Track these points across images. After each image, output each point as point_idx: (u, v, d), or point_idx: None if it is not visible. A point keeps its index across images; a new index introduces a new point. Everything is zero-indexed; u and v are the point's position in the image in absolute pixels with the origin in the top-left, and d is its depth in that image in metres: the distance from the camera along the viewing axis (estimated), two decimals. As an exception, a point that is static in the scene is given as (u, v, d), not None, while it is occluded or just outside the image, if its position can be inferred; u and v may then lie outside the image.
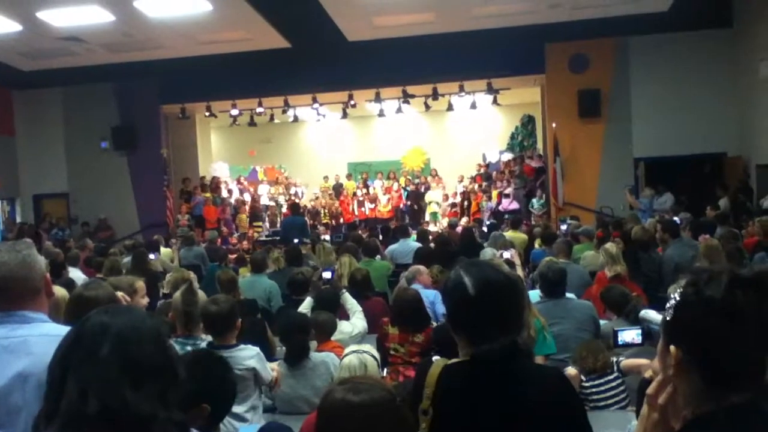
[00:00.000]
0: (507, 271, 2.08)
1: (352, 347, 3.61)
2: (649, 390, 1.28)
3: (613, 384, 3.87)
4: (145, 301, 3.69)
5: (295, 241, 9.56)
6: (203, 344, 3.56)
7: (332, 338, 4.56)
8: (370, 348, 3.56)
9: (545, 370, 2.07)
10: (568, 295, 4.93)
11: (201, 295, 3.57)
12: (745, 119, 13.22)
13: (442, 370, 1.88)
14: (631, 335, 1.80)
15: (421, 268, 6.41)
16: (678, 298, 1.27)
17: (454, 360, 1.91)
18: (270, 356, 4.47)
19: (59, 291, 3.25)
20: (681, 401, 1.25)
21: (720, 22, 13.51)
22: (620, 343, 1.84)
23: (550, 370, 2.11)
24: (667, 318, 1.28)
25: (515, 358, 1.82)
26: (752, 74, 12.29)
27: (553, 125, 14.16)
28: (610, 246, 6.34)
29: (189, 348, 3.47)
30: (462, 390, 1.85)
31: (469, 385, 1.84)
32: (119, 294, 2.99)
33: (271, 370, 3.69)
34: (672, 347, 1.24)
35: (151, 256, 8.72)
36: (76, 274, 7.65)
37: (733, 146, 13.59)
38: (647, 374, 1.37)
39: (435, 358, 1.96)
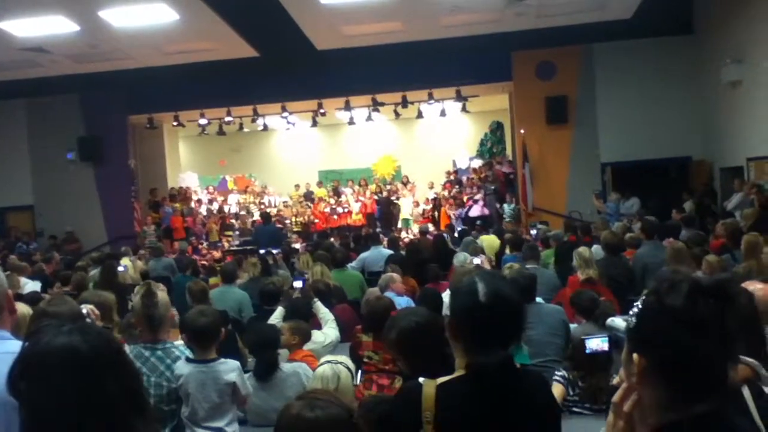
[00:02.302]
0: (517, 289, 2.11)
1: (327, 357, 3.59)
2: (615, 398, 1.29)
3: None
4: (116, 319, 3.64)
5: (261, 251, 9.50)
6: (175, 349, 3.51)
7: (304, 347, 4.53)
8: (345, 359, 3.55)
9: (532, 378, 2.09)
10: (538, 299, 4.98)
11: (162, 296, 3.51)
12: (708, 123, 13.49)
13: (437, 391, 1.87)
14: (597, 343, 1.82)
15: (395, 275, 6.41)
16: (640, 306, 1.28)
17: (445, 378, 1.91)
18: (243, 367, 4.42)
19: (22, 308, 3.18)
20: (646, 410, 1.26)
21: (682, 28, 13.82)
22: (588, 351, 1.86)
23: (536, 378, 2.15)
24: (631, 326, 1.30)
25: (510, 371, 1.85)
26: (714, 79, 12.55)
27: (522, 131, 14.30)
28: (582, 249, 6.39)
29: (159, 353, 3.42)
30: (462, 407, 1.85)
31: (468, 402, 1.84)
32: (89, 308, 2.93)
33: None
34: (635, 355, 1.25)
35: (120, 269, 8.60)
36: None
37: (698, 150, 13.87)
38: (614, 381, 1.38)
39: (421, 379, 1.94)
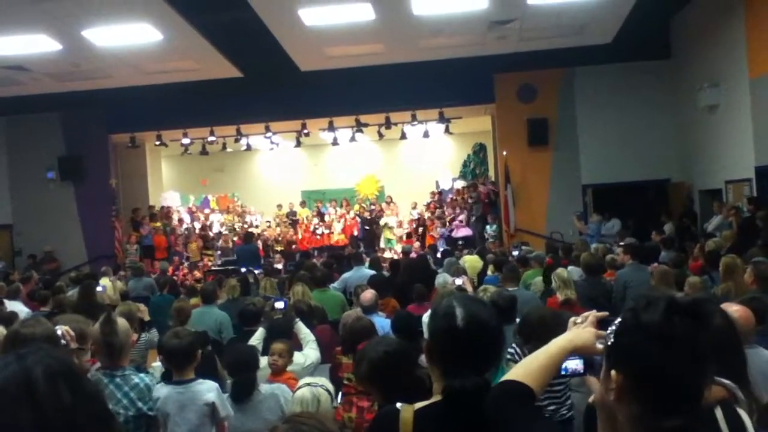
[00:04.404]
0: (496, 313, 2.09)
1: (306, 380, 3.56)
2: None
3: (557, 389, 3.93)
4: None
5: (243, 270, 9.46)
6: (134, 376, 3.46)
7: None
8: (324, 381, 3.52)
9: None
10: (518, 320, 4.98)
11: (122, 323, 3.46)
12: (686, 146, 13.68)
13: (415, 416, 1.85)
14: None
15: (370, 295, 6.35)
16: (619, 324, 1.30)
17: (423, 403, 1.89)
18: (221, 389, 4.38)
19: (-4, 328, 3.13)
20: (620, 425, 1.27)
21: (660, 53, 14.08)
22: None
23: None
24: (609, 343, 1.32)
25: (486, 395, 1.83)
26: (691, 103, 12.76)
27: (504, 153, 14.41)
28: (561, 271, 6.42)
29: (117, 380, 3.37)
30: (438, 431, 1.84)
31: (445, 427, 1.83)
32: (63, 329, 2.88)
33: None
34: (613, 372, 1.27)
35: (99, 289, 8.50)
36: (18, 308, 7.40)
37: (676, 172, 14.05)
38: (590, 399, 1.41)
39: (399, 405, 1.93)
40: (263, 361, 4.47)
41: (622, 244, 9.52)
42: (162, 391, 3.42)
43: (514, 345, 4.17)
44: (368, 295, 6.14)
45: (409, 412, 1.87)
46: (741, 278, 5.69)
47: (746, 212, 10.12)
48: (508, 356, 4.07)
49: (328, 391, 3.41)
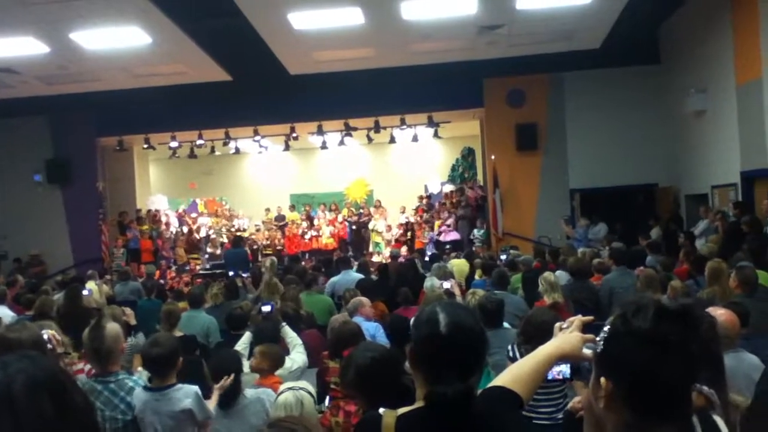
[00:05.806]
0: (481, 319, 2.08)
1: (288, 384, 3.56)
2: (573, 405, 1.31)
3: (555, 391, 3.95)
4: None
5: (230, 273, 9.44)
6: (128, 380, 3.45)
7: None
8: (306, 384, 3.51)
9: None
10: (505, 325, 5.01)
11: (111, 328, 3.44)
12: (674, 151, 13.77)
13: (397, 422, 1.84)
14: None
15: (363, 299, 6.38)
16: (608, 330, 1.30)
17: (405, 409, 1.88)
18: (208, 394, 4.36)
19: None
20: None
21: (648, 58, 14.18)
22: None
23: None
24: (598, 350, 1.31)
25: (470, 402, 1.81)
26: (680, 108, 12.85)
27: (492, 157, 14.46)
28: (548, 274, 6.46)
29: (112, 386, 3.36)
30: None
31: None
32: (50, 333, 2.87)
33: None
34: (602, 379, 1.26)
35: (85, 292, 8.43)
36: (3, 312, 7.33)
37: (664, 177, 14.14)
38: (569, 406, 1.41)
39: (381, 410, 1.92)
40: (249, 365, 4.46)
41: (608, 247, 9.57)
42: (140, 398, 3.41)
43: (512, 344, 4.24)
44: (367, 310, 6.18)
45: (391, 417, 1.86)
46: (726, 282, 5.75)
47: (732, 217, 10.20)
48: (505, 354, 4.18)
49: (310, 393, 3.41)
